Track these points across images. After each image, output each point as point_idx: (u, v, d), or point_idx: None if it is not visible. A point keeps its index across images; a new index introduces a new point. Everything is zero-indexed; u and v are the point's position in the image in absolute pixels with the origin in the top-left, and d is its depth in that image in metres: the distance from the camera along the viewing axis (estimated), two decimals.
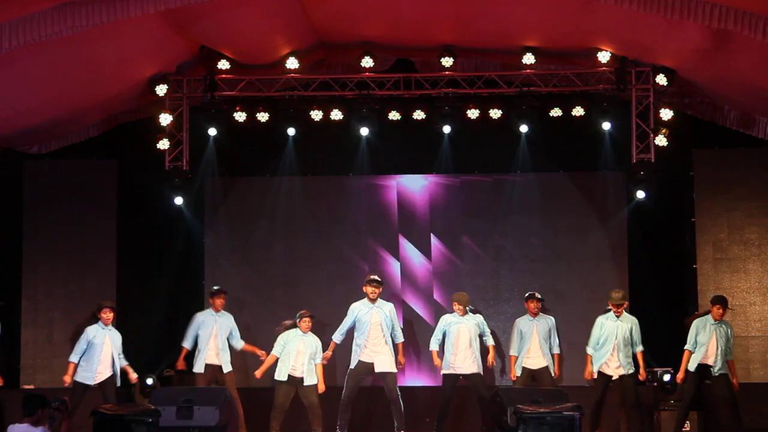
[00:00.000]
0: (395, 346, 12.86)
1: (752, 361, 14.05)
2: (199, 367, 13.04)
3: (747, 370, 13.96)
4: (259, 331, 14.13)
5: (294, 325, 12.85)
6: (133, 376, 12.87)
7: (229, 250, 14.69)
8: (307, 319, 12.77)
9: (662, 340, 13.56)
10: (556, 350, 13.20)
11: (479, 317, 13.09)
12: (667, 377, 13.05)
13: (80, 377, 12.66)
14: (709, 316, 12.56)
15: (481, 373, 12.93)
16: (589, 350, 12.74)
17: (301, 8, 12.48)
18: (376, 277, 12.94)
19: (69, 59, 11.96)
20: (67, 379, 12.63)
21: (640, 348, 12.70)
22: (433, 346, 12.97)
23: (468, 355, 12.83)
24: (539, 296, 13.26)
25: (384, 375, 12.76)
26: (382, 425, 13.15)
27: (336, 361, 13.46)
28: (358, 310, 12.85)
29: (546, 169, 14.47)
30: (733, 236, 14.31)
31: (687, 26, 11.48)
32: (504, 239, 14.59)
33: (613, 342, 12.60)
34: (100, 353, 12.64)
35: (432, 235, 14.65)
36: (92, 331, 12.69)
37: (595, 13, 11.95)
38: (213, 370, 13.03)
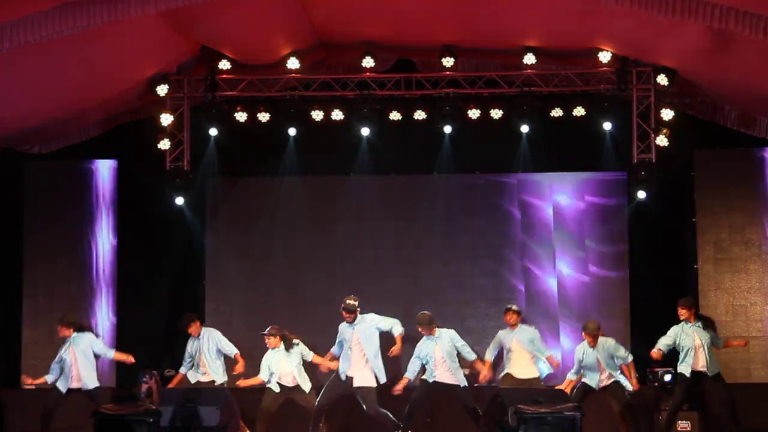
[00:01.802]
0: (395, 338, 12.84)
1: (753, 361, 14.04)
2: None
3: (747, 370, 13.97)
4: (259, 331, 14.12)
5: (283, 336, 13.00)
6: (129, 359, 12.70)
7: (229, 250, 14.68)
8: (269, 338, 12.89)
9: None
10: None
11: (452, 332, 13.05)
12: (667, 377, 13.04)
13: (59, 384, 12.64)
14: (684, 321, 12.60)
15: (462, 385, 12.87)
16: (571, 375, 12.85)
17: (301, 8, 12.48)
18: (350, 302, 12.83)
19: (69, 59, 11.96)
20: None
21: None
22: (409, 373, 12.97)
23: (444, 369, 12.81)
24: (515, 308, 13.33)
25: (360, 390, 12.74)
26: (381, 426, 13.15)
27: None
28: (342, 331, 12.94)
29: (547, 169, 14.46)
30: (733, 236, 14.30)
31: (688, 26, 11.48)
32: (504, 239, 14.57)
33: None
34: (71, 365, 12.55)
35: (433, 235, 14.65)
36: (61, 351, 12.66)
37: (596, 13, 11.95)
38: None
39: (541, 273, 14.48)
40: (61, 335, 12.65)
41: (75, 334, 12.62)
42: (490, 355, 13.30)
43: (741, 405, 12.52)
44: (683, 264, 14.46)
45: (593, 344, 12.58)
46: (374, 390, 12.74)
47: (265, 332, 12.99)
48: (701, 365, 12.49)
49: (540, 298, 14.40)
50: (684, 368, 12.53)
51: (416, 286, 14.52)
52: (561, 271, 14.45)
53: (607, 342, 12.64)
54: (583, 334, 12.72)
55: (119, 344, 14.11)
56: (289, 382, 12.89)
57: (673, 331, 12.63)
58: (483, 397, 12.74)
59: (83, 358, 12.52)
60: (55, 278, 14.57)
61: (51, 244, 14.59)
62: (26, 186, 14.70)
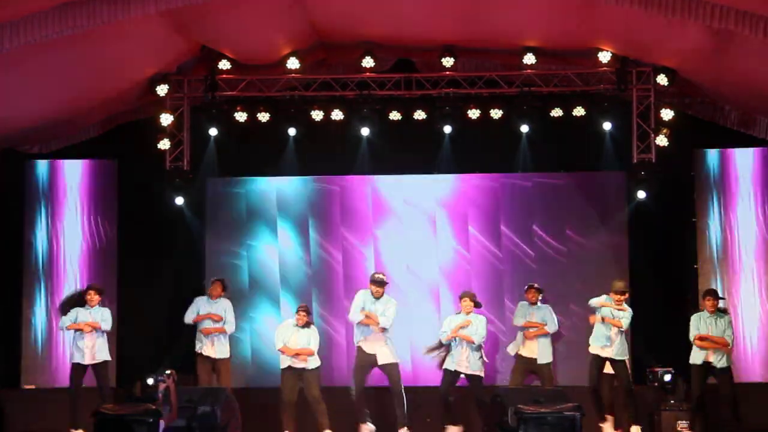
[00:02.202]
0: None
1: (752, 361, 14.05)
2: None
3: (747, 370, 13.97)
4: (259, 330, 14.15)
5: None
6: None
7: (229, 250, 14.67)
8: (302, 313, 12.82)
9: (662, 340, 13.56)
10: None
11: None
12: (667, 377, 13.00)
13: (74, 358, 12.89)
14: (704, 311, 12.56)
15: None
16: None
17: (301, 8, 12.49)
18: (380, 277, 12.91)
19: (70, 59, 11.97)
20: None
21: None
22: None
23: (464, 354, 12.84)
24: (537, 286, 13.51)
25: (385, 367, 12.75)
26: (381, 424, 13.15)
27: (336, 360, 13.47)
28: (364, 299, 12.87)
29: (547, 169, 14.47)
30: (733, 236, 14.30)
31: (688, 26, 11.49)
32: (505, 239, 14.58)
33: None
34: (85, 336, 12.81)
35: (435, 235, 14.65)
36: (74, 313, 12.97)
37: (595, 13, 11.96)
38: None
39: (542, 272, 14.48)
40: (91, 303, 12.91)
41: (98, 306, 12.92)
42: (518, 321, 13.46)
43: (741, 405, 12.51)
44: (683, 264, 14.46)
45: (621, 306, 12.55)
46: (398, 366, 12.78)
47: (301, 305, 12.97)
48: (711, 357, 12.45)
49: (542, 297, 14.41)
50: (695, 358, 12.50)
51: (417, 286, 14.52)
52: (562, 271, 14.46)
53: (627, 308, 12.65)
54: (611, 294, 12.56)
55: (119, 343, 14.11)
56: (295, 360, 12.77)
57: (694, 319, 12.53)
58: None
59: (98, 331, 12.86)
60: (55, 278, 14.55)
61: (50, 244, 14.58)
62: (26, 186, 14.69)
